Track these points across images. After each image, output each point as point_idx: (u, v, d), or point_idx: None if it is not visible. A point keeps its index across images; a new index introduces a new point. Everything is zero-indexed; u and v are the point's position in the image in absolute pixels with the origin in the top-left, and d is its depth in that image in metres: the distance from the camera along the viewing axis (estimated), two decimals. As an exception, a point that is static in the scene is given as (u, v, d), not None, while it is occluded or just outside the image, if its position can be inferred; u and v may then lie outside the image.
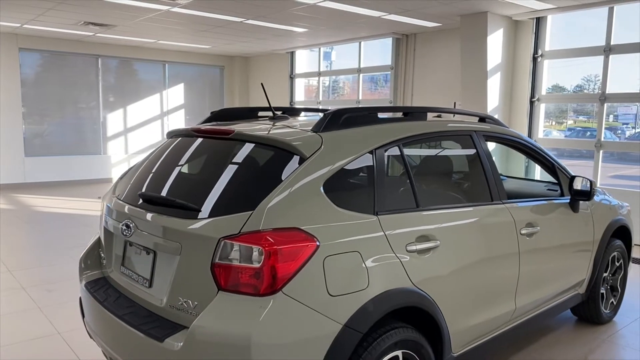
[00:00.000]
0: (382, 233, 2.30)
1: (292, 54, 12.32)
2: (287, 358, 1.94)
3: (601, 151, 7.32)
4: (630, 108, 10.96)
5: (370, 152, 2.42)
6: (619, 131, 11.47)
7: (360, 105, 10.31)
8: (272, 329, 1.92)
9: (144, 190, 2.51)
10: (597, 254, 3.88)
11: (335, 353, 2.02)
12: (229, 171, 2.36)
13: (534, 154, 3.59)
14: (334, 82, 12.41)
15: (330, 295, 2.05)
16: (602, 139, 7.33)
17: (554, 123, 10.37)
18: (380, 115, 2.70)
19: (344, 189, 2.32)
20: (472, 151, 3.04)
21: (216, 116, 3.14)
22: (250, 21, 8.46)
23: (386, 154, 2.49)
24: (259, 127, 2.64)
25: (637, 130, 11.60)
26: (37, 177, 11.06)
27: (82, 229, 7.31)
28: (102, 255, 2.76)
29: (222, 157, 2.48)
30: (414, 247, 2.40)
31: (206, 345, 1.95)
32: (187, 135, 2.78)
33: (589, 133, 10.09)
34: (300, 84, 12.53)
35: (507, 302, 3.02)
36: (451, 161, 3.21)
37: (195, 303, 2.07)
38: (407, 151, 2.62)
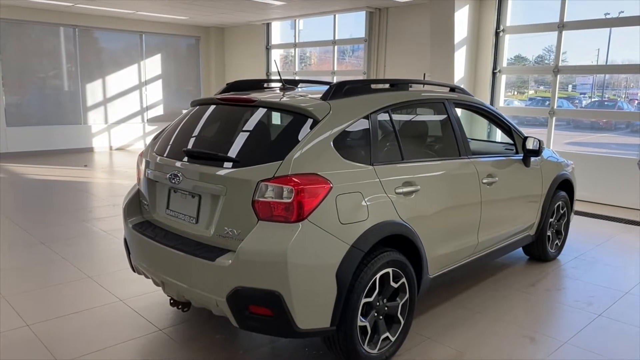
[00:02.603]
0: (378, 179, 2.97)
1: (268, 25, 12.72)
2: (311, 267, 2.61)
3: (554, 118, 8.16)
4: (588, 78, 11.86)
5: (367, 117, 3.07)
6: (577, 100, 12.37)
7: (328, 77, 10.91)
8: (301, 246, 2.58)
9: (187, 147, 3.10)
10: (544, 202, 4.68)
11: (345, 265, 2.70)
12: (256, 131, 2.99)
13: (495, 119, 4.32)
14: (301, 53, 12.85)
15: (341, 223, 2.72)
16: (555, 107, 8.15)
17: (515, 93, 11.21)
18: (373, 86, 3.35)
19: (348, 145, 2.97)
20: (444, 116, 3.74)
21: (232, 87, 3.72)
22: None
23: (378, 117, 3.15)
24: (274, 96, 3.26)
25: (594, 99, 12.55)
26: (18, 147, 11.28)
27: (79, 193, 7.77)
28: (145, 202, 3.34)
29: (248, 120, 3.08)
30: (401, 190, 3.09)
31: (251, 260, 2.60)
32: (213, 103, 3.36)
33: (547, 102, 10.97)
34: (275, 55, 12.98)
35: (471, 237, 3.77)
36: (428, 124, 3.90)
37: (239, 231, 2.71)
38: (394, 115, 3.29)
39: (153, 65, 13.36)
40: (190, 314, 3.67)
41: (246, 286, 2.62)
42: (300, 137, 2.78)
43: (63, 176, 9.11)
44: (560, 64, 8.00)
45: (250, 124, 3.03)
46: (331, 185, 2.71)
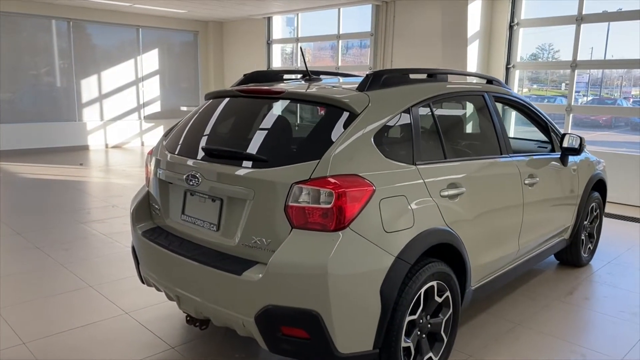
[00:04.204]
0: (422, 180, 2.63)
1: (269, 19, 12.35)
2: (353, 283, 2.27)
3: (571, 115, 7.86)
4: (583, 77, 11.63)
5: (407, 110, 2.73)
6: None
7: (338, 71, 10.55)
8: (343, 258, 2.23)
9: (205, 145, 2.74)
10: (580, 204, 4.36)
11: (390, 279, 2.36)
12: (285, 126, 2.63)
13: (531, 114, 3.99)
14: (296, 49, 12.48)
15: (386, 231, 2.37)
16: (572, 104, 7.85)
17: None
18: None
19: (389, 142, 2.62)
20: (484, 110, 3.40)
21: (249, 78, 3.36)
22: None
23: (420, 111, 2.81)
24: (302, 87, 2.90)
25: (589, 98, 12.33)
26: (12, 145, 10.85)
27: (75, 193, 7.38)
28: (156, 206, 2.99)
29: (275, 114, 2.73)
30: (446, 193, 2.75)
31: (285, 275, 2.25)
32: (232, 95, 3.00)
33: (546, 100, 10.69)
34: (277, 50, 12.60)
35: (512, 243, 3.44)
36: (468, 119, 3.56)
37: (269, 240, 2.36)
38: (435, 109, 2.95)
39: (150, 60, 12.95)
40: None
41: (278, 304, 2.28)
42: (336, 133, 2.43)
43: (58, 175, 8.71)
44: (578, 59, 7.69)
45: (278, 119, 2.69)
46: (374, 187, 2.36)
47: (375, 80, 2.70)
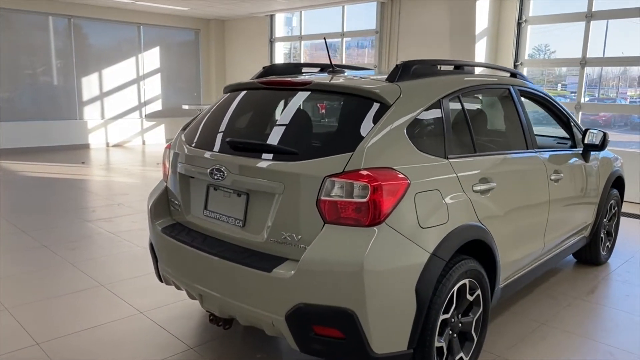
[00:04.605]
0: (455, 175, 2.54)
1: (272, 17, 12.25)
2: (389, 281, 2.18)
3: (580, 112, 7.80)
4: (576, 78, 11.59)
5: (438, 102, 2.64)
6: (568, 100, 12.18)
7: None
8: (379, 255, 2.14)
9: (230, 138, 2.63)
10: (600, 201, 4.28)
11: (425, 277, 2.27)
12: (313, 118, 2.53)
13: (553, 109, 3.90)
14: (294, 49, 12.37)
15: (421, 227, 2.28)
16: (582, 102, 7.79)
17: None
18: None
19: (421, 134, 2.53)
20: (511, 103, 3.31)
21: (268, 71, 3.26)
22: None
23: (450, 103, 2.72)
24: (327, 78, 2.80)
25: (586, 98, 12.29)
26: (12, 143, 10.71)
27: (79, 192, 7.27)
28: (175, 201, 2.89)
29: (301, 105, 2.63)
30: (478, 188, 2.67)
31: (318, 272, 2.16)
32: (253, 87, 2.90)
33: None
34: (279, 48, 12.51)
35: (539, 240, 3.36)
36: (495, 112, 3.48)
37: (300, 236, 2.26)
38: (465, 101, 2.86)
39: (151, 58, 12.83)
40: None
41: (311, 303, 2.18)
42: (368, 125, 2.33)
43: (60, 173, 8.59)
44: (587, 56, 7.62)
45: (305, 111, 2.59)
46: (409, 181, 2.27)
47: (405, 71, 2.61)
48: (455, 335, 2.61)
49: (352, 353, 2.21)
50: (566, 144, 4.13)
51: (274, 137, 2.54)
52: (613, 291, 4.10)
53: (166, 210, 2.97)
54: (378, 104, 2.43)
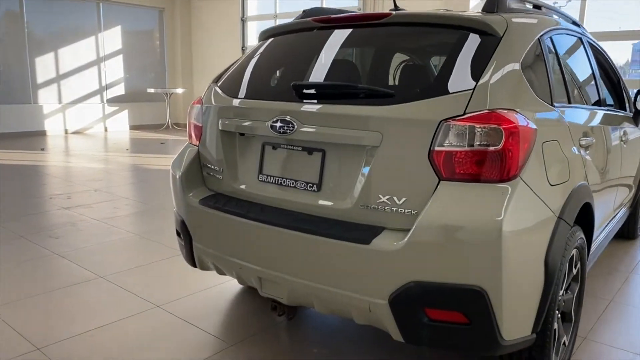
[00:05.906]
0: (567, 125, 2.14)
1: (244, -5, 11.60)
2: (523, 252, 1.74)
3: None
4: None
5: (539, 40, 2.21)
6: None
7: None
8: (515, 219, 1.69)
9: (296, 82, 2.10)
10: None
11: (554, 245, 1.86)
12: (404, 56, 2.05)
13: (608, 67, 3.55)
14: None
15: (550, 184, 1.87)
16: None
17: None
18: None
19: (530, 75, 2.09)
20: (583, 54, 2.95)
21: (309, 14, 2.75)
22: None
23: (547, 44, 2.30)
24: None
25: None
26: (-42, 130, 9.68)
27: (48, 178, 6.49)
28: (213, 167, 2.35)
29: (381, 43, 2.15)
30: (583, 142, 2.28)
31: (437, 242, 1.69)
32: (305, 29, 2.39)
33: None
34: (253, 28, 11.87)
35: (611, 206, 3.02)
36: (575, 61, 3.08)
37: (403, 199, 1.79)
38: (557, 45, 2.45)
39: (112, 39, 11.91)
40: (264, 319, 2.72)
41: (426, 280, 1.72)
42: (480, 60, 1.87)
43: (20, 160, 7.73)
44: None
45: (390, 49, 2.10)
46: (534, 127, 1.84)
47: (502, 2, 2.17)
48: (559, 315, 2.22)
49: (477, 341, 1.77)
50: (612, 105, 3.82)
51: (355, 79, 2.04)
52: (661, 265, 3.85)
53: (199, 179, 2.43)
54: (486, 36, 1.97)
